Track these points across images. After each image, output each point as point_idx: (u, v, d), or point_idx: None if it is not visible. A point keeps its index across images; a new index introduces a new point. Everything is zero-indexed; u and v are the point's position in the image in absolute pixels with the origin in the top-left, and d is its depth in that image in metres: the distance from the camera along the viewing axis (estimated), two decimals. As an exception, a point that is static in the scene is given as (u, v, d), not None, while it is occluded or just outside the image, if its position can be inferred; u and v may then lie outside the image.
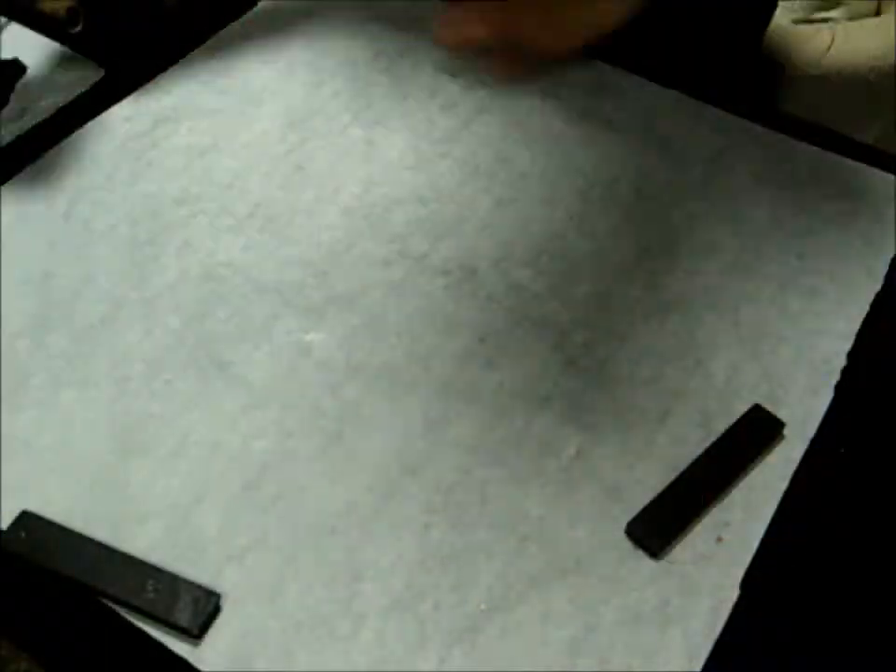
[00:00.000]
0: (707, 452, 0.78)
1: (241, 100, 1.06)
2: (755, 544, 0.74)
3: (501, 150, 1.01)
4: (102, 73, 1.07)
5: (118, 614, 0.69)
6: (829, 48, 1.40)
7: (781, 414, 0.80)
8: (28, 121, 1.02)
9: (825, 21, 1.50)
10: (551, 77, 1.08)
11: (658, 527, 0.74)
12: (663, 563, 0.73)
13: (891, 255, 0.92)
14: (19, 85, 1.05)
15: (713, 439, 0.79)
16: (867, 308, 0.88)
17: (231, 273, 0.89)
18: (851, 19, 1.51)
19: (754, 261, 0.91)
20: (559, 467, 0.78)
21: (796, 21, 1.51)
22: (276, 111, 1.05)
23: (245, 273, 0.89)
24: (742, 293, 0.89)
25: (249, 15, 1.17)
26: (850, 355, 0.85)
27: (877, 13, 1.54)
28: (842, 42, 1.41)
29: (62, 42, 1.10)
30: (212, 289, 0.88)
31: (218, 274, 0.89)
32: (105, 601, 0.70)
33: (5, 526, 0.73)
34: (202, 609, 0.68)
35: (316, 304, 0.87)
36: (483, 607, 0.70)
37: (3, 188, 0.96)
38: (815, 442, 0.79)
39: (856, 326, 0.87)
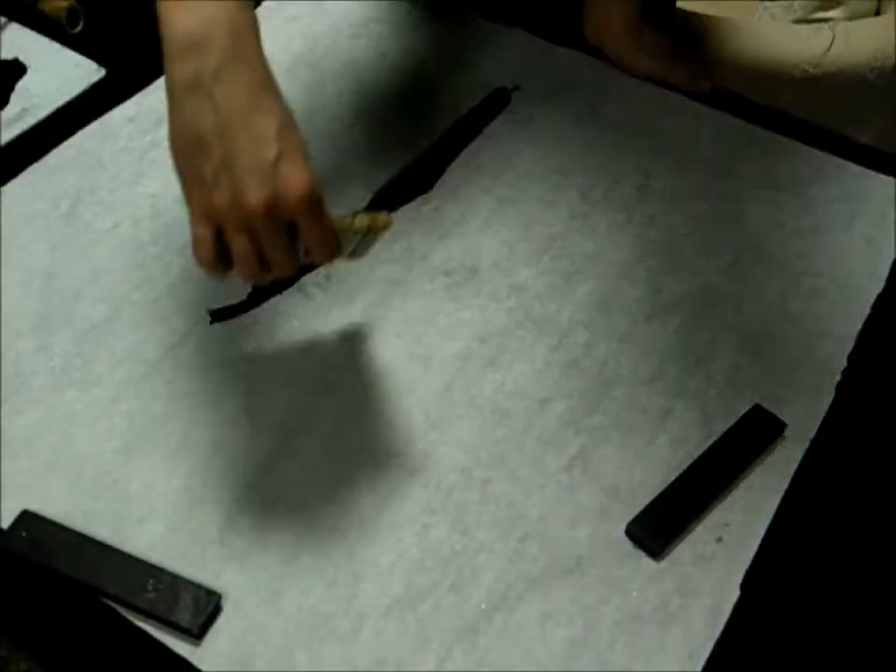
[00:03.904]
0: (708, 452, 0.78)
1: (243, 100, 1.06)
2: (755, 544, 0.74)
3: (504, 150, 1.01)
4: (102, 73, 1.07)
5: (118, 614, 0.69)
6: (829, 47, 1.40)
7: (782, 415, 0.80)
8: (28, 121, 1.02)
9: (825, 20, 1.49)
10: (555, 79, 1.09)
11: (658, 528, 0.74)
12: (663, 563, 0.73)
13: (892, 257, 0.92)
14: (19, 85, 1.05)
15: (714, 439, 0.79)
16: (868, 310, 0.88)
17: (233, 273, 0.89)
18: (851, 18, 1.50)
19: (755, 262, 0.91)
20: (560, 467, 0.78)
21: (796, 21, 1.51)
22: (278, 111, 1.05)
23: (246, 273, 0.89)
24: (743, 294, 0.89)
25: (251, 15, 1.17)
26: (851, 356, 0.85)
27: (877, 13, 1.54)
28: (842, 42, 1.40)
29: (62, 42, 1.10)
30: (215, 289, 0.88)
31: (220, 274, 0.89)
32: (105, 601, 0.70)
33: (6, 526, 0.73)
34: (202, 609, 0.68)
35: (319, 304, 0.87)
36: (483, 607, 0.70)
37: (5, 188, 0.96)
38: (815, 443, 0.79)
39: (857, 327, 0.86)
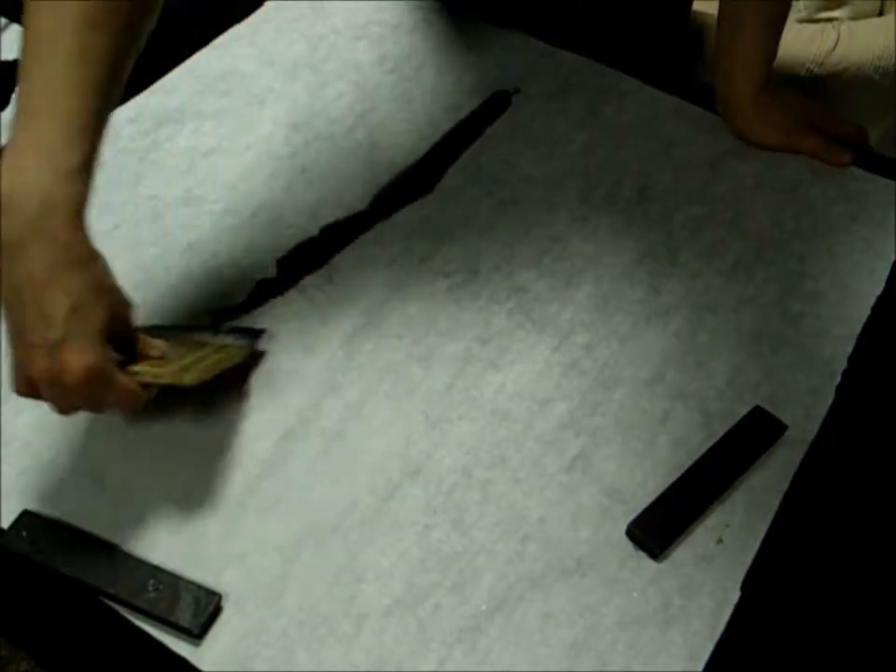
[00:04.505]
0: (709, 453, 0.78)
1: (245, 102, 1.06)
2: (756, 545, 0.74)
3: (504, 152, 1.02)
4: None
5: (118, 614, 0.69)
6: (833, 47, 1.40)
7: (782, 416, 0.80)
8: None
9: (829, 20, 1.50)
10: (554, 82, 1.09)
11: (659, 529, 0.74)
12: (664, 564, 0.73)
13: (892, 259, 0.92)
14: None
15: (714, 440, 0.79)
16: (868, 311, 0.88)
17: (234, 274, 0.89)
18: (855, 18, 1.51)
19: (755, 264, 0.92)
20: (560, 468, 0.78)
21: (800, 21, 1.51)
22: (280, 113, 1.05)
23: (248, 274, 0.89)
24: (743, 295, 0.89)
25: (254, 17, 1.17)
26: (851, 358, 0.85)
27: (880, 13, 1.54)
28: (847, 41, 1.41)
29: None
30: (215, 290, 0.88)
31: (222, 275, 0.89)
32: (105, 601, 0.70)
33: (6, 525, 0.73)
34: (203, 610, 0.68)
35: (319, 305, 0.87)
36: (483, 607, 0.70)
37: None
38: (816, 444, 0.79)
39: (857, 329, 0.87)
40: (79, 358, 0.64)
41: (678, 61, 1.27)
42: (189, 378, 0.73)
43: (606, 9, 1.20)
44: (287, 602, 0.70)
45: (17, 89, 0.66)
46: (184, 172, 0.98)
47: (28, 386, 0.67)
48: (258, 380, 0.82)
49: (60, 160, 0.64)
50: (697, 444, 0.79)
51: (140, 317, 0.86)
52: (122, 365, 0.70)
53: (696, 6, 1.29)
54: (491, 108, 1.06)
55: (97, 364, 0.65)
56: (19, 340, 0.65)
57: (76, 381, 0.64)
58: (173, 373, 0.73)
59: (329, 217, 0.94)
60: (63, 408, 0.68)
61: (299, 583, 0.71)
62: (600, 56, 1.12)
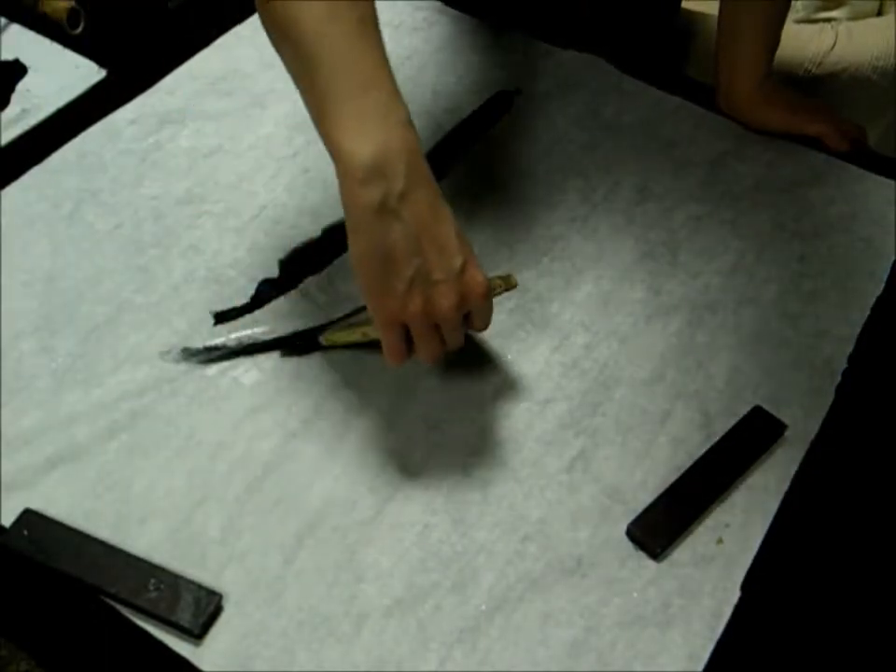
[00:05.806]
0: (708, 453, 0.78)
1: (246, 102, 1.06)
2: (756, 545, 0.74)
3: (505, 152, 1.02)
4: (103, 74, 1.07)
5: (119, 614, 0.70)
6: (832, 47, 1.40)
7: (782, 416, 0.80)
8: (29, 122, 1.02)
9: (828, 20, 1.50)
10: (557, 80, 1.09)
11: (659, 529, 0.74)
12: (663, 564, 0.73)
13: (892, 258, 0.92)
14: (20, 86, 1.05)
15: (714, 440, 0.79)
16: (868, 311, 0.88)
17: (236, 275, 0.89)
18: (853, 18, 1.51)
19: (755, 264, 0.92)
20: (560, 468, 0.78)
21: (798, 21, 1.51)
22: (282, 113, 1.05)
23: (250, 275, 0.90)
24: (743, 295, 0.89)
25: (254, 17, 1.17)
26: (851, 357, 0.85)
27: (879, 13, 1.54)
28: (845, 41, 1.41)
29: (63, 43, 1.11)
30: (217, 291, 0.88)
31: (224, 276, 0.89)
32: (106, 600, 0.70)
33: (7, 524, 0.73)
34: (203, 609, 0.69)
35: (321, 306, 0.88)
36: (483, 607, 0.70)
37: (6, 189, 0.96)
38: (816, 444, 0.79)
39: (857, 329, 0.87)
40: (480, 274, 0.70)
41: (665, 57, 1.27)
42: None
43: (608, 10, 1.20)
44: (287, 602, 0.70)
45: (308, 69, 0.69)
46: (185, 172, 0.98)
47: (402, 352, 0.72)
48: (258, 380, 0.83)
49: (398, 115, 0.68)
50: (697, 444, 0.79)
51: (143, 318, 0.86)
52: None
53: (694, 5, 1.29)
54: (493, 108, 1.06)
55: (486, 277, 0.71)
56: (414, 287, 0.68)
57: (481, 297, 0.70)
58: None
59: (330, 217, 0.94)
60: (436, 349, 0.72)
61: (299, 583, 0.71)
62: (600, 56, 1.12)
